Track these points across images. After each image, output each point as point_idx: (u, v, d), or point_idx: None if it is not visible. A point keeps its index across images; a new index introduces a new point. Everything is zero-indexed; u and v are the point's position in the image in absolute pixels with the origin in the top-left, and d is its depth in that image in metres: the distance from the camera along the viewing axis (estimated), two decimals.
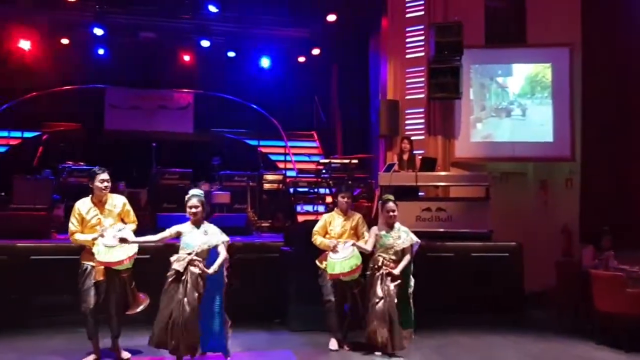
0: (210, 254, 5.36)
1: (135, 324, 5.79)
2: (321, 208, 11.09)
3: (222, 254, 5.37)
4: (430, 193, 9.70)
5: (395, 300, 5.78)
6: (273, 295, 7.36)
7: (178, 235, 5.41)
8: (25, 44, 13.47)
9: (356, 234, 6.29)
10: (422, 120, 9.88)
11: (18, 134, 12.41)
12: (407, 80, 10.01)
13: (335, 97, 13.74)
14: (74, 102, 12.97)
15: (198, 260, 5.28)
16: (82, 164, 10.80)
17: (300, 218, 10.99)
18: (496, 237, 8.50)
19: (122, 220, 5.62)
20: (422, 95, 9.91)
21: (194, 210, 5.42)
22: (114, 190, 5.97)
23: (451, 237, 8.34)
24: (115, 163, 10.56)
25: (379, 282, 5.89)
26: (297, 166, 12.77)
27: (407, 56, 10.11)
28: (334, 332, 6.22)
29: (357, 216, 6.41)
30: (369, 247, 6.05)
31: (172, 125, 13.39)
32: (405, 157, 9.23)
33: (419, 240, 6.17)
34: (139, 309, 5.56)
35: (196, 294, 5.19)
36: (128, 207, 5.69)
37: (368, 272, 6.01)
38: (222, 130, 13.77)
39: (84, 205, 5.51)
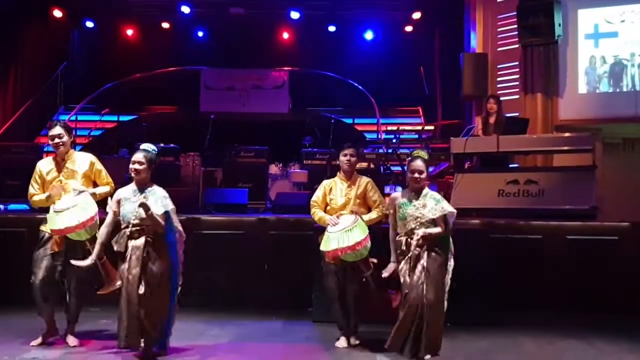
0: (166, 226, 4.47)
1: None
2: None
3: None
4: (528, 163, 7.96)
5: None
6: (304, 279, 6.27)
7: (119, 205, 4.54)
8: (129, 31, 13.78)
9: (365, 203, 4.98)
10: (517, 76, 8.11)
11: (114, 117, 12.57)
12: (499, 29, 8.30)
13: (437, 66, 12.19)
14: (171, 85, 12.97)
15: (138, 233, 4.40)
16: (162, 144, 10.57)
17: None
18: (603, 217, 6.65)
19: (94, 183, 4.93)
20: (515, 46, 8.14)
21: (135, 166, 4.50)
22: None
23: (542, 216, 6.66)
24: (209, 144, 10.58)
25: (406, 268, 4.55)
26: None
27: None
28: (340, 327, 4.96)
29: (365, 181, 5.05)
30: (373, 215, 4.76)
31: (267, 106, 12.82)
32: (492, 119, 7.64)
33: (453, 210, 4.69)
34: (112, 289, 4.60)
35: (135, 271, 4.32)
36: (98, 166, 4.96)
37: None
38: (317, 109, 12.88)
39: (45, 164, 4.90)
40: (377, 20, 13.44)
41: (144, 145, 4.66)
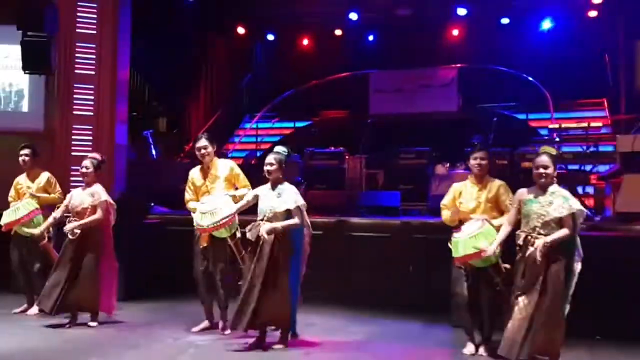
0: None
1: None
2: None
3: (294, 218, 4.80)
4: None
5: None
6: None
7: (256, 200, 4.98)
8: (304, 40, 14.59)
9: (497, 208, 4.80)
10: None
11: (290, 124, 13.41)
12: None
13: (622, 54, 11.08)
14: (343, 90, 13.46)
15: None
16: (332, 147, 11.05)
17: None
18: None
19: (235, 186, 5.46)
20: None
21: (267, 167, 4.94)
22: None
23: None
24: (378, 147, 10.92)
25: (521, 268, 4.41)
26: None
27: None
28: (468, 333, 4.87)
29: (497, 184, 4.87)
30: (504, 219, 4.59)
31: (435, 104, 12.71)
32: None
33: (583, 209, 4.40)
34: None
35: (264, 263, 4.69)
36: (237, 171, 5.50)
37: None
38: (488, 106, 12.48)
39: (195, 173, 5.53)
40: (555, 7, 12.61)
41: (276, 148, 5.07)
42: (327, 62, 13.88)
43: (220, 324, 5.36)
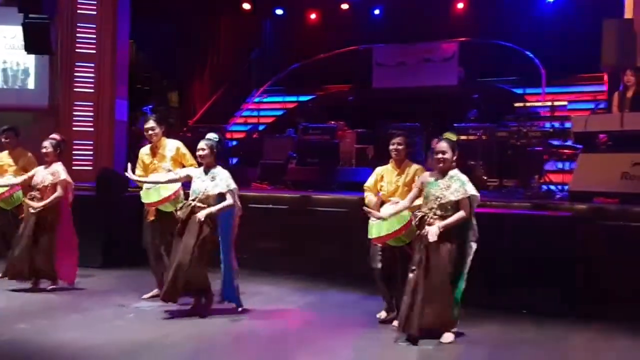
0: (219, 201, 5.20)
1: None
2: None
3: (228, 200, 5.16)
4: None
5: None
6: None
7: (188, 179, 5.35)
8: (312, 15, 14.78)
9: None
10: None
11: (294, 98, 13.71)
12: None
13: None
14: (347, 64, 13.62)
15: (199, 207, 5.16)
16: (332, 122, 11.28)
17: (554, 177, 9.23)
18: None
19: (182, 165, 5.86)
20: None
21: (200, 153, 5.29)
22: None
23: None
24: (380, 121, 11.14)
25: (417, 245, 4.70)
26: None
27: None
28: (387, 302, 5.23)
29: (414, 168, 5.10)
30: (406, 202, 4.84)
31: (436, 79, 12.78)
32: (629, 94, 6.90)
33: (477, 194, 4.63)
34: None
35: (193, 240, 5.10)
36: (183, 150, 5.88)
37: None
38: (487, 80, 12.46)
39: (144, 151, 5.95)
40: None
41: (208, 135, 5.42)
42: (333, 36, 14.06)
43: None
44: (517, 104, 9.48)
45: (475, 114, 10.98)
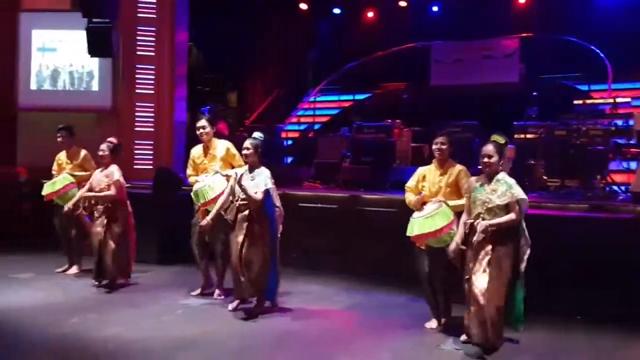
0: (266, 202, 5.23)
1: None
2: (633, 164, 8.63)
3: (257, 195, 5.17)
4: None
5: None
6: None
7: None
8: (369, 13, 14.70)
9: (457, 192, 4.90)
10: None
11: (349, 96, 13.66)
12: None
13: None
14: (405, 62, 13.47)
15: (244, 205, 5.20)
16: (389, 121, 11.13)
17: (619, 177, 8.82)
18: None
19: (232, 165, 5.93)
20: None
21: (245, 152, 5.34)
22: None
23: None
24: (438, 119, 10.98)
25: (470, 254, 4.55)
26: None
27: None
28: (431, 308, 5.08)
29: (457, 169, 4.95)
30: (461, 201, 4.72)
31: (496, 76, 12.44)
32: None
33: (525, 197, 4.45)
34: None
35: (240, 237, 5.15)
36: (233, 151, 5.93)
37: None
38: (550, 77, 12.03)
39: (196, 150, 6.05)
40: None
41: (253, 134, 5.47)
42: (391, 34, 13.93)
43: (216, 292, 5.94)
44: (576, 101, 9.06)
45: (536, 111, 10.65)
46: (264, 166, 5.40)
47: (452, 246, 4.59)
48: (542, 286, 5.20)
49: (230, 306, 5.43)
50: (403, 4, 14.08)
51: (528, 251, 4.50)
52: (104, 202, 6.19)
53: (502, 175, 4.54)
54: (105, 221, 6.18)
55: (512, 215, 4.41)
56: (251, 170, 5.37)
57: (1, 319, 5.07)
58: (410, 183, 5.19)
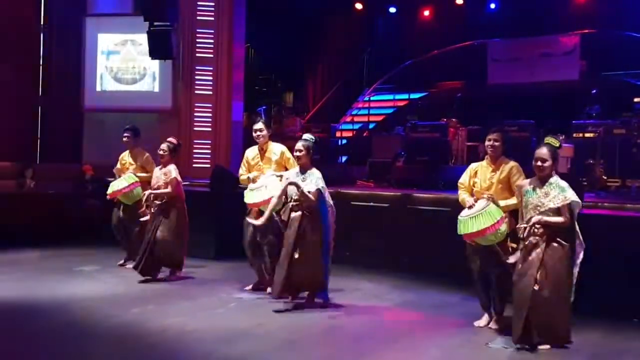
0: (319, 201, 5.33)
1: None
2: None
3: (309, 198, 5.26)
4: None
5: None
6: None
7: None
8: (425, 11, 14.62)
9: (508, 189, 4.85)
10: None
11: (405, 95, 13.61)
12: None
13: None
14: (461, 60, 13.31)
15: (296, 206, 5.31)
16: (444, 120, 11.04)
17: None
18: None
19: (285, 168, 6.01)
20: None
21: (297, 153, 5.43)
22: None
23: None
24: (494, 118, 10.86)
25: (521, 255, 4.53)
26: None
27: None
28: (483, 307, 5.06)
29: (509, 165, 4.88)
30: (512, 201, 4.69)
31: (556, 73, 12.13)
32: None
33: (578, 200, 4.39)
34: None
35: (292, 237, 5.26)
36: (287, 154, 6.00)
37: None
38: (612, 74, 11.66)
39: (251, 152, 6.20)
40: None
41: (305, 136, 5.57)
42: (447, 32, 13.80)
43: (269, 288, 6.03)
44: (636, 99, 8.77)
45: (598, 109, 10.36)
46: (315, 167, 5.50)
47: (517, 254, 4.57)
48: (597, 287, 5.13)
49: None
50: (460, 1, 13.92)
51: (582, 255, 4.45)
52: (162, 198, 6.43)
53: (555, 179, 4.50)
54: (161, 217, 6.42)
55: (560, 218, 4.37)
56: (303, 171, 5.48)
57: (68, 309, 5.36)
58: (463, 179, 5.18)
